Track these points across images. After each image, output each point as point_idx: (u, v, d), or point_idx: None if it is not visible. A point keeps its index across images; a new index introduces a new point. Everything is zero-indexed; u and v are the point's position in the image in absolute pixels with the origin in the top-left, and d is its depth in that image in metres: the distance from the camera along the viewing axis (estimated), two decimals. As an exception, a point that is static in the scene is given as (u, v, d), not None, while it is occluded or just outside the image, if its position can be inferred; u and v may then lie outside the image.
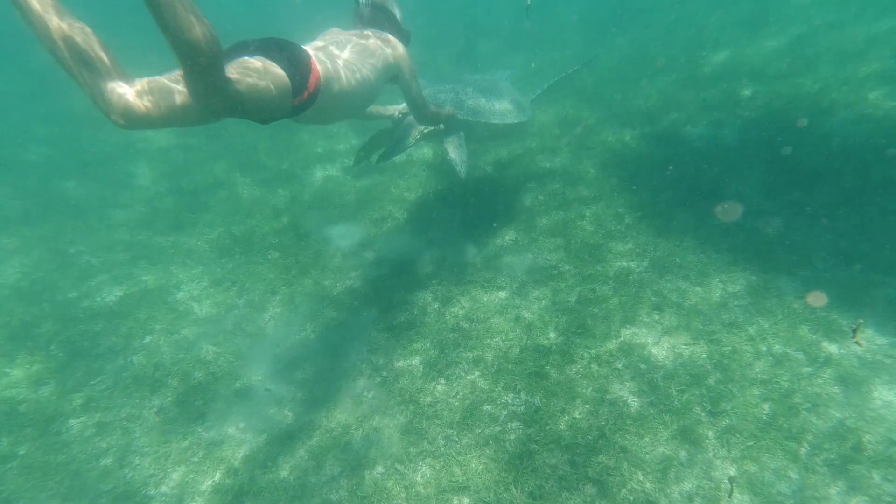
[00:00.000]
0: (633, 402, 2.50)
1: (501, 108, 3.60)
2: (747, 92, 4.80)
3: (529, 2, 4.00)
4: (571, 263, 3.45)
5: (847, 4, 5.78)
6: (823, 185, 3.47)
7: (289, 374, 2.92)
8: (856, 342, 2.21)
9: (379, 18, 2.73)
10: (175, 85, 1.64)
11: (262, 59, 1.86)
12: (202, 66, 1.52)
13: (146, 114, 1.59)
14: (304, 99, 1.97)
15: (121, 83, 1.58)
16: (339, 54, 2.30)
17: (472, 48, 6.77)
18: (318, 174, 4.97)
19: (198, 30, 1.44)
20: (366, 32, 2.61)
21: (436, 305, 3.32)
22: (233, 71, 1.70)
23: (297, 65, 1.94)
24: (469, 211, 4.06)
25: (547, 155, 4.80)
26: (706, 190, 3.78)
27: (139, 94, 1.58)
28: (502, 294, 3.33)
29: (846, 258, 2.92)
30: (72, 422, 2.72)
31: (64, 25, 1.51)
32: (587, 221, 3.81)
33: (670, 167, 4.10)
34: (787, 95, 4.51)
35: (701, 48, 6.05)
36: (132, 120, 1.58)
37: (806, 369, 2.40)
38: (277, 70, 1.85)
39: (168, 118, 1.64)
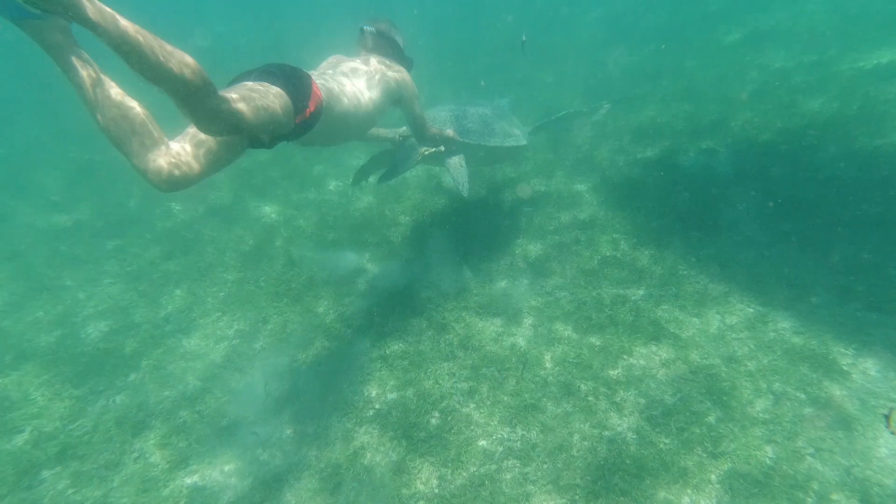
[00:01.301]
0: (632, 439, 2.44)
1: (501, 132, 3.64)
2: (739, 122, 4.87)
3: (525, 38, 4.13)
4: (567, 290, 3.42)
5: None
6: (816, 217, 3.48)
7: (279, 408, 2.83)
8: (891, 432, 2.11)
9: (382, 45, 2.79)
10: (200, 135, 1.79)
11: (263, 83, 1.91)
12: (191, 94, 1.53)
13: (187, 174, 1.76)
14: (306, 118, 2.02)
15: (158, 152, 1.69)
16: (342, 78, 2.36)
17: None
18: (312, 197, 4.95)
19: (173, 62, 1.46)
20: (369, 58, 2.66)
21: (430, 333, 3.26)
22: (233, 92, 1.73)
23: (297, 85, 2.00)
24: (464, 234, 4.04)
25: (542, 178, 4.82)
26: (699, 218, 3.79)
27: (175, 163, 1.73)
28: (497, 321, 3.28)
29: (842, 294, 2.90)
30: (45, 473, 2.57)
31: (116, 110, 1.60)
32: (582, 247, 3.79)
33: (664, 193, 4.12)
34: (780, 126, 4.57)
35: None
36: (176, 185, 1.75)
37: (808, 410, 2.35)
38: (277, 90, 1.91)
39: (205, 171, 1.84)
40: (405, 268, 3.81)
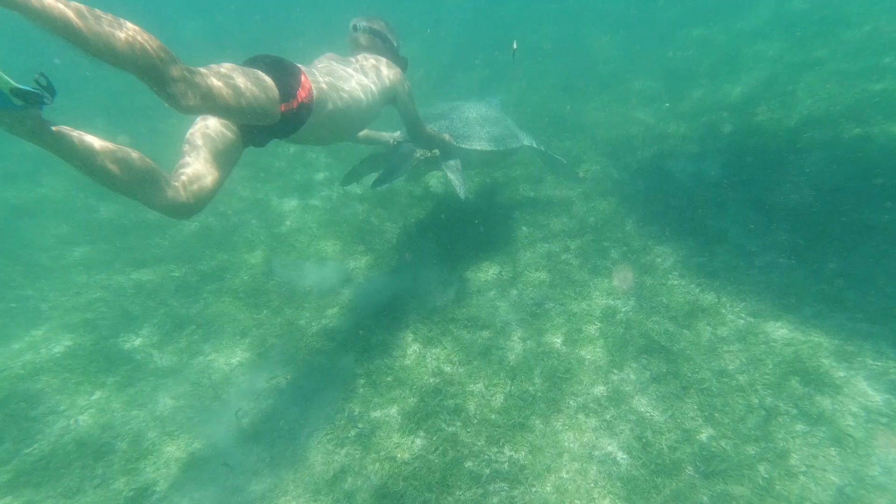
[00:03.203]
0: (623, 459, 2.36)
1: (497, 135, 3.57)
2: (727, 128, 4.86)
3: (515, 46, 4.14)
4: (556, 301, 3.34)
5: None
6: (808, 226, 3.45)
7: (256, 429, 2.69)
8: None
9: (376, 44, 2.74)
10: (200, 146, 1.85)
11: (246, 67, 1.87)
12: (151, 68, 1.46)
13: (202, 186, 1.79)
14: (293, 108, 1.96)
15: (167, 184, 1.68)
16: (336, 74, 2.32)
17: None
18: (295, 204, 4.80)
19: (120, 36, 1.39)
20: (364, 56, 2.62)
21: (416, 347, 3.15)
22: (205, 70, 1.66)
23: (282, 72, 1.95)
24: (451, 243, 3.94)
25: (530, 184, 4.74)
26: (690, 226, 3.75)
27: (185, 187, 1.74)
28: (485, 334, 3.18)
29: (833, 304, 2.87)
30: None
31: (112, 166, 1.53)
32: (572, 255, 3.72)
33: (654, 200, 4.08)
34: (768, 131, 4.57)
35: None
36: (200, 199, 1.78)
37: (800, 426, 2.30)
38: (259, 73, 1.85)
39: (216, 175, 1.87)
40: (391, 278, 3.70)
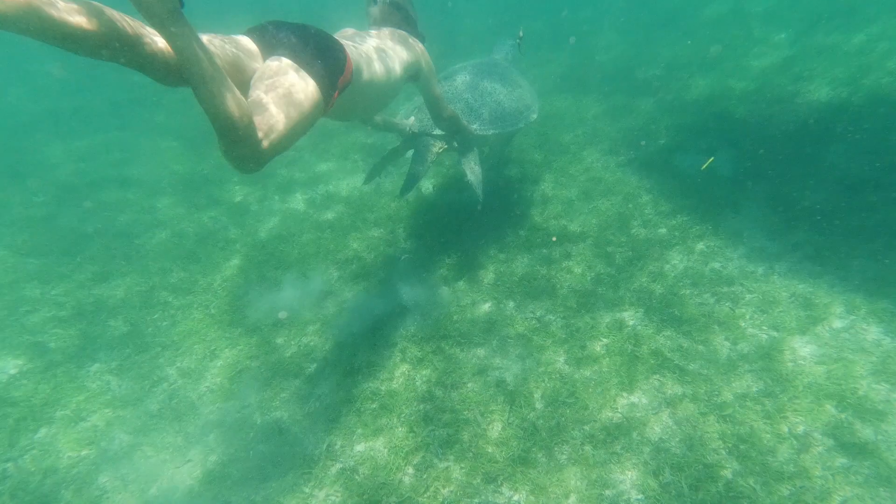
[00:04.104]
0: (638, 500, 2.08)
1: (513, 111, 3.38)
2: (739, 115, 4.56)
3: (521, 34, 3.86)
4: (557, 314, 3.05)
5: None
6: (831, 225, 3.17)
7: (223, 470, 2.39)
8: None
9: (395, 18, 2.63)
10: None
11: (293, 64, 1.65)
12: (239, 138, 1.39)
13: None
14: (334, 101, 1.84)
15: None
16: (363, 46, 2.21)
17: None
18: (277, 208, 4.46)
19: (231, 104, 1.33)
20: (385, 30, 2.53)
21: (405, 368, 2.85)
22: (262, 123, 1.45)
23: (331, 64, 1.77)
24: (442, 249, 3.63)
25: (528, 184, 4.43)
26: (701, 227, 3.45)
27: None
28: (480, 352, 2.89)
29: (867, 315, 2.59)
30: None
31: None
32: (574, 262, 3.42)
33: (661, 199, 3.78)
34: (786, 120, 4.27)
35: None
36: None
37: (840, 460, 2.02)
38: (310, 87, 1.65)
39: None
40: (379, 290, 3.39)
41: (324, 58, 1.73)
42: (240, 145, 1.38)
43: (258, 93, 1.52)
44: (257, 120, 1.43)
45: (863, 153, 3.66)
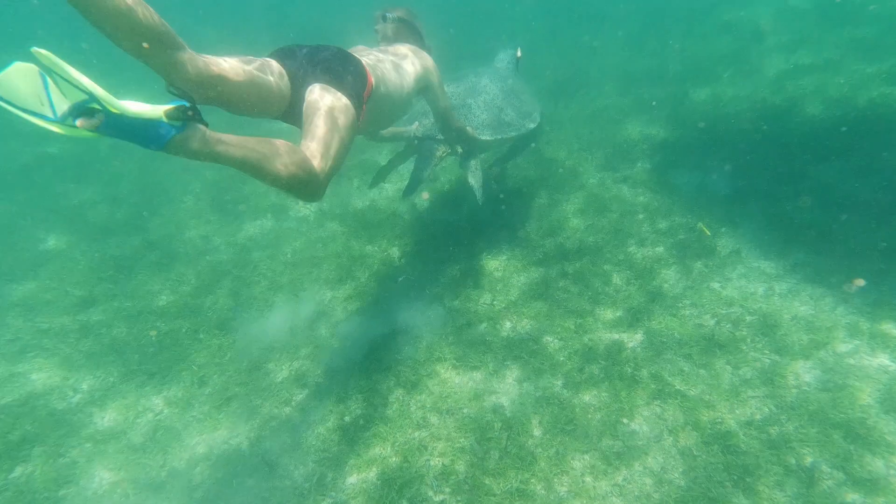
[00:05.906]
0: (641, 538, 2.00)
1: (514, 118, 3.41)
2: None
3: (520, 53, 3.87)
4: (555, 335, 2.98)
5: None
6: (831, 245, 3.13)
7: (207, 504, 2.28)
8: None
9: (404, 33, 2.68)
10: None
11: (332, 91, 1.77)
12: (301, 185, 1.52)
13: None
14: (363, 115, 1.96)
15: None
16: (378, 61, 2.27)
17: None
18: (269, 226, 4.40)
19: (278, 164, 1.43)
20: (395, 45, 2.58)
21: (399, 393, 2.77)
22: (315, 149, 1.58)
23: (358, 80, 1.89)
24: (437, 267, 3.57)
25: (523, 199, 4.39)
26: (698, 245, 3.41)
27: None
28: (477, 376, 2.82)
29: (872, 340, 2.54)
30: None
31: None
32: (570, 281, 3.36)
33: (658, 216, 3.74)
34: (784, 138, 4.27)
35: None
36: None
37: (851, 496, 1.95)
38: (350, 109, 1.77)
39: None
40: (373, 311, 3.31)
41: (353, 74, 1.84)
42: (303, 193, 1.51)
43: (309, 126, 1.63)
44: (312, 148, 1.55)
45: (864, 173, 3.65)
